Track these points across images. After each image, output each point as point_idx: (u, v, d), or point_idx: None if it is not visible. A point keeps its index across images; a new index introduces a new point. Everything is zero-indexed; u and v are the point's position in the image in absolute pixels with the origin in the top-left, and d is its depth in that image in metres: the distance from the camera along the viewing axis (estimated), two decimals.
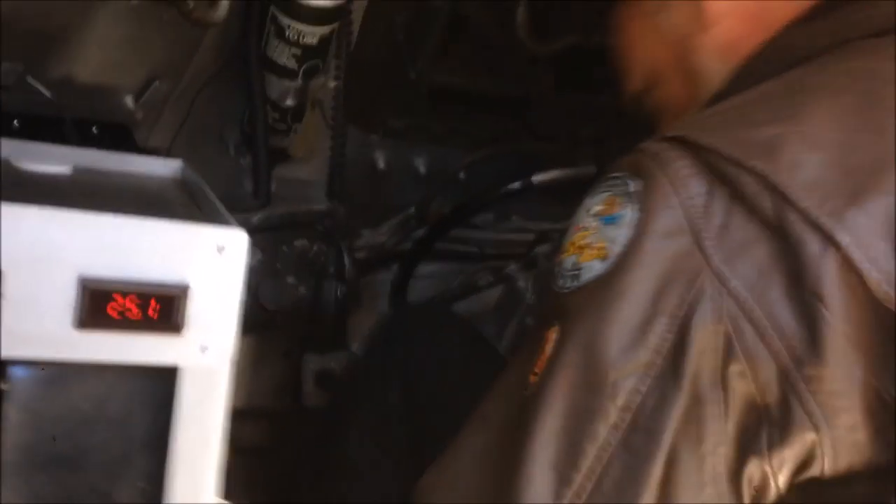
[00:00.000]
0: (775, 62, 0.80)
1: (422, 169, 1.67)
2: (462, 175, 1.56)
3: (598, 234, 0.70)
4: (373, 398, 1.26)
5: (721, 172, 0.68)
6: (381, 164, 1.65)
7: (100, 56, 1.28)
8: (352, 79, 1.42)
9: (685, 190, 0.68)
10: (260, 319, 1.57)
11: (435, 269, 1.81)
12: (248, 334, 1.60)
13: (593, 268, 0.70)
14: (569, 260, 0.73)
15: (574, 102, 1.50)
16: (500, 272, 1.61)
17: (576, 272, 0.71)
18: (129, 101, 1.39)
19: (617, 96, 1.55)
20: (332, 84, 1.43)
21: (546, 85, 1.46)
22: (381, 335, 1.39)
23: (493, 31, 1.39)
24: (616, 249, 0.69)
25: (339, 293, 1.55)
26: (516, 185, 1.41)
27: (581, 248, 0.72)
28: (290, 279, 1.61)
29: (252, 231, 1.60)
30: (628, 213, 0.69)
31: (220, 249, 0.76)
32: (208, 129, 1.53)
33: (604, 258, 0.70)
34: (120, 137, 1.39)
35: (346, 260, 1.60)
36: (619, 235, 0.69)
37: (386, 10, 1.40)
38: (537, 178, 1.39)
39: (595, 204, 0.72)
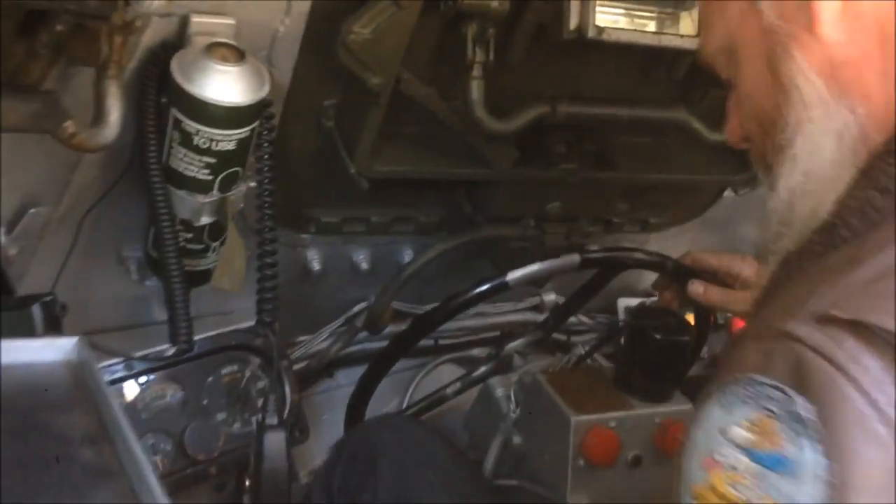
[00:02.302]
0: None
1: (364, 265, 1.43)
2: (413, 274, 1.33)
3: (758, 483, 0.48)
4: None
5: None
6: (315, 265, 1.41)
7: None
8: (276, 176, 1.17)
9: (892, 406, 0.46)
10: (189, 474, 1.30)
11: None
12: (177, 493, 1.34)
13: None
14: None
15: (537, 178, 1.30)
16: (468, 378, 1.38)
17: None
18: None
19: (582, 167, 1.37)
20: (251, 184, 1.17)
21: (503, 162, 1.25)
22: (337, 462, 1.15)
23: (441, 111, 1.17)
24: None
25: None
26: (486, 286, 1.19)
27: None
28: (221, 416, 1.34)
29: (168, 365, 1.35)
30: (808, 455, 0.47)
31: None
32: (103, 252, 1.26)
33: None
34: None
35: (287, 386, 1.35)
36: (803, 495, 0.47)
37: (311, 97, 1.17)
38: (513, 277, 1.18)
39: (735, 425, 0.50)
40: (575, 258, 1.19)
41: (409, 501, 1.07)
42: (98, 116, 0.88)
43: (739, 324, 1.66)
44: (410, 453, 1.12)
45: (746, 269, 1.20)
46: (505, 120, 1.17)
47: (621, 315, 1.68)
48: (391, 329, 1.47)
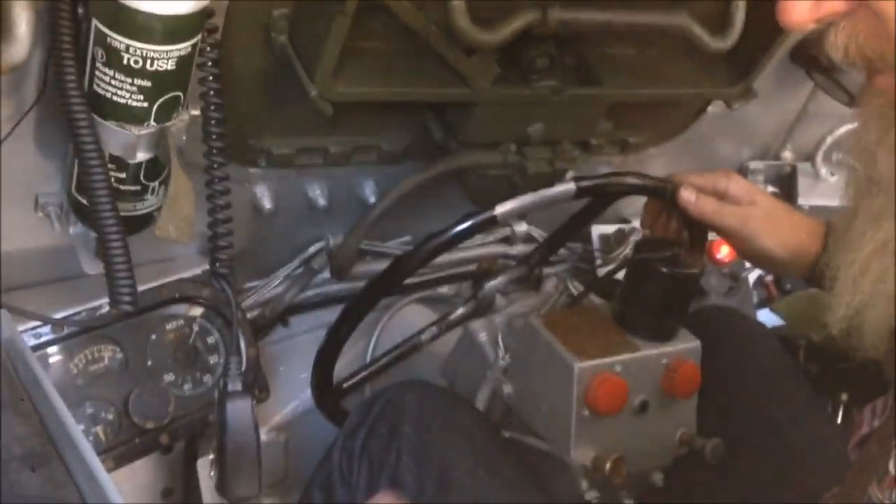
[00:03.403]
0: None
1: (321, 200, 1.27)
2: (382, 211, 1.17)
3: None
4: None
5: None
6: (266, 202, 1.24)
7: None
8: (223, 102, 0.99)
9: None
10: (138, 445, 1.14)
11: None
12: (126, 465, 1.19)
13: None
14: None
15: (518, 97, 1.15)
16: (444, 321, 1.25)
17: None
18: None
19: (566, 83, 1.22)
20: (193, 113, 1.00)
21: (483, 80, 1.10)
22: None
23: (415, 21, 1.00)
24: None
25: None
26: (471, 223, 1.05)
27: None
28: (168, 378, 1.19)
29: (102, 325, 1.18)
30: None
31: None
32: (16, 197, 1.06)
33: None
34: None
35: (242, 340, 1.20)
36: None
37: (257, 5, 0.99)
38: (502, 210, 1.04)
39: None
40: (571, 187, 1.05)
41: (433, 462, 1.00)
42: (3, 30, 0.69)
43: (719, 246, 1.57)
44: (434, 416, 1.06)
45: (733, 185, 1.12)
46: (489, 30, 1.01)
47: (596, 244, 1.57)
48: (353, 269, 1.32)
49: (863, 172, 0.67)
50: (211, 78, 0.95)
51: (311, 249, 1.34)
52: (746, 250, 1.13)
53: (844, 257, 0.69)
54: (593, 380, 1.03)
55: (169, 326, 1.20)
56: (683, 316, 1.09)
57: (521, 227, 1.50)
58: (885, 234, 0.65)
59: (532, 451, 1.10)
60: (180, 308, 1.21)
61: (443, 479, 1.00)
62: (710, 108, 1.45)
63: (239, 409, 0.98)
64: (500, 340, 1.15)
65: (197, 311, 1.22)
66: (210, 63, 0.93)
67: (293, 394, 1.42)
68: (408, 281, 1.47)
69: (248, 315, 1.36)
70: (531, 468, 1.08)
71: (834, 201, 1.51)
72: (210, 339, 1.23)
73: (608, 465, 1.01)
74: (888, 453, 0.67)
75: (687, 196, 1.10)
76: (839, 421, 1.35)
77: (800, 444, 1.15)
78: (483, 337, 1.18)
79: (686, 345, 1.08)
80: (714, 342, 1.18)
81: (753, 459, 1.15)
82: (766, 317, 1.59)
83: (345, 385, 1.23)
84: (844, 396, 1.35)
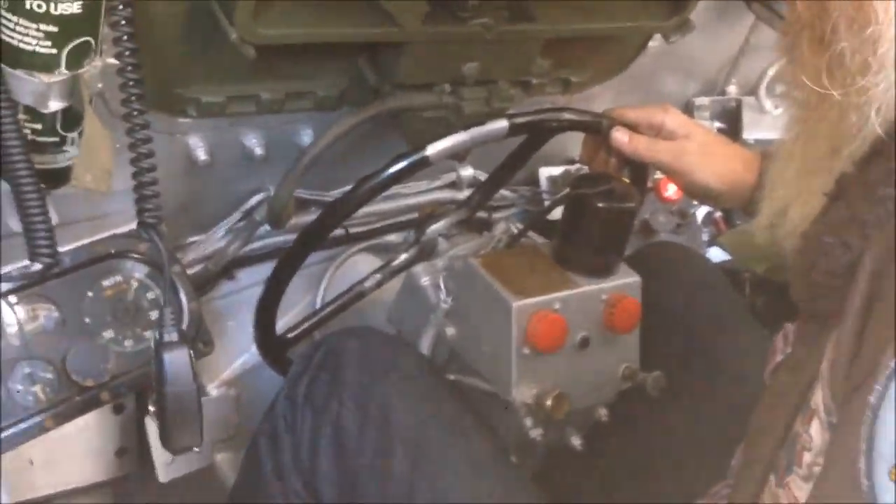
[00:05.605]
0: None
1: (258, 150, 1.24)
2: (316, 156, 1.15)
3: None
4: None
5: None
6: (201, 153, 1.21)
7: None
8: (138, 47, 0.96)
9: None
10: (78, 403, 1.13)
11: None
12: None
13: None
14: None
15: (450, 36, 1.12)
16: (388, 268, 1.24)
17: None
18: None
19: (499, 20, 1.20)
20: (111, 61, 0.97)
21: (412, 18, 1.07)
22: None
23: None
24: None
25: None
26: (403, 163, 1.03)
27: None
28: (108, 334, 1.17)
29: (34, 283, 1.15)
30: None
31: None
32: None
33: None
34: None
35: (182, 294, 1.18)
36: None
37: None
38: (434, 150, 1.02)
39: None
40: (503, 124, 1.04)
41: (374, 408, 1.00)
42: None
43: (666, 184, 1.57)
44: (375, 361, 1.05)
45: (669, 119, 1.11)
46: None
47: (544, 185, 1.56)
48: (296, 220, 1.30)
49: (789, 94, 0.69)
50: (123, 22, 0.91)
51: (252, 201, 1.32)
52: (684, 184, 1.12)
53: (768, 169, 0.71)
54: (532, 318, 1.02)
55: (106, 283, 1.18)
56: (621, 251, 1.09)
57: (468, 172, 1.49)
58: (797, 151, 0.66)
59: (476, 393, 1.10)
60: (119, 264, 1.19)
61: (385, 424, 1.00)
62: (651, 44, 1.43)
63: (176, 360, 0.97)
64: (441, 283, 1.14)
65: (137, 266, 1.20)
66: (121, 6, 0.90)
67: (242, 347, 1.41)
68: (355, 230, 1.47)
69: (191, 269, 1.35)
70: (476, 410, 1.08)
71: (778, 134, 1.50)
72: (150, 295, 1.21)
73: (549, 402, 1.02)
74: (800, 383, 0.68)
75: (619, 137, 1.10)
76: None
77: (743, 375, 1.16)
78: (425, 281, 1.18)
79: (625, 280, 1.08)
80: (660, 277, 1.19)
81: (699, 391, 1.16)
82: (717, 254, 1.60)
83: (289, 335, 1.22)
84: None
